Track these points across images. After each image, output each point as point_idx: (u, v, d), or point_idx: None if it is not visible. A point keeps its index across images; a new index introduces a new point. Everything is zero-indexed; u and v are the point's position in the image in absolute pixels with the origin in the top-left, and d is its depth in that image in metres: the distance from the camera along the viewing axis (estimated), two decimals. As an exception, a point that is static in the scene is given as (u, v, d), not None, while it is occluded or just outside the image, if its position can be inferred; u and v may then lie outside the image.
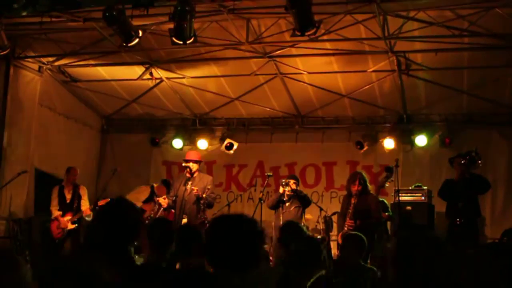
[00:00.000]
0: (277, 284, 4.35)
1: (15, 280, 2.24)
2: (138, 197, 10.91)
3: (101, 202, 10.07)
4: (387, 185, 9.35)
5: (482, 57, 9.63)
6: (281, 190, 9.55)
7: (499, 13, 8.16)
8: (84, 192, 10.54)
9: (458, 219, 8.78)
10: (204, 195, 9.20)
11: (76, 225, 10.15)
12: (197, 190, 9.19)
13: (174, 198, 9.26)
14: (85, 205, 10.38)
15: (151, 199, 10.97)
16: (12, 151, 10.47)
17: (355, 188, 8.87)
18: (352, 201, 8.84)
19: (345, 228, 8.68)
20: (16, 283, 2.24)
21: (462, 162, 8.89)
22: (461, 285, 3.05)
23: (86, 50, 10.27)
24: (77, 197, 10.41)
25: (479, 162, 9.07)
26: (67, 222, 10.13)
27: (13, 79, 10.49)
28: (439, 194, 9.36)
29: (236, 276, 2.97)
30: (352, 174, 9.53)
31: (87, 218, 10.25)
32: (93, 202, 10.41)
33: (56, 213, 10.25)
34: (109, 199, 10.21)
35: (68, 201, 10.38)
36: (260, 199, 9.69)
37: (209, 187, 9.36)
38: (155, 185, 11.16)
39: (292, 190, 9.48)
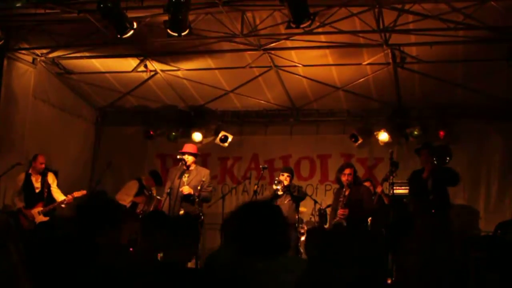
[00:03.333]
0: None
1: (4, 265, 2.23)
2: (128, 192, 10.89)
3: (76, 194, 9.91)
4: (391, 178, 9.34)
5: (477, 50, 9.63)
6: (274, 187, 9.58)
7: (495, 6, 8.15)
8: (53, 180, 10.16)
9: (428, 211, 8.41)
10: (196, 194, 9.19)
11: (49, 217, 9.73)
12: (188, 191, 9.15)
13: (168, 190, 9.23)
14: (57, 192, 10.04)
15: (141, 191, 10.98)
16: (6, 144, 10.43)
17: (345, 178, 8.96)
18: (346, 192, 8.92)
19: (338, 218, 8.78)
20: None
21: (434, 161, 8.57)
22: None
23: (81, 42, 10.24)
24: (46, 185, 9.98)
25: (448, 159, 8.70)
26: (37, 214, 9.72)
27: (7, 71, 10.44)
28: (410, 194, 9.06)
29: (261, 262, 3.00)
30: (342, 164, 9.59)
31: (62, 206, 9.86)
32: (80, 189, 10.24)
33: (19, 204, 9.77)
34: (85, 191, 10.02)
35: (37, 191, 9.93)
36: (255, 192, 9.70)
37: (203, 179, 9.33)
38: (142, 177, 11.17)
39: (285, 187, 9.50)
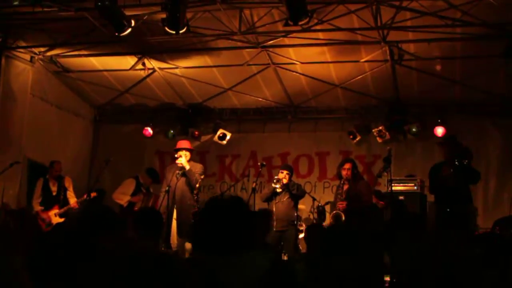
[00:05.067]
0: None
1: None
2: (125, 191, 10.95)
3: (93, 194, 10.07)
4: (385, 174, 9.39)
5: (475, 47, 9.65)
6: (273, 185, 9.60)
7: (492, 3, 8.15)
8: (69, 184, 10.54)
9: (448, 208, 8.46)
10: (187, 168, 9.21)
11: (64, 218, 10.11)
12: (181, 163, 9.18)
13: (167, 188, 9.23)
14: (72, 197, 10.39)
15: (138, 190, 11.01)
16: (4, 142, 10.42)
17: (344, 173, 9.02)
18: (345, 187, 9.00)
19: (336, 210, 8.86)
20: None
21: (456, 162, 8.61)
22: None
23: (78, 40, 10.23)
24: (62, 189, 10.39)
25: (465, 161, 8.78)
26: (53, 215, 10.14)
27: (5, 70, 10.40)
28: (431, 191, 9.13)
29: (220, 259, 2.96)
30: (343, 160, 9.64)
31: (74, 209, 10.24)
32: (84, 192, 10.39)
33: (37, 207, 10.24)
34: (95, 194, 10.21)
35: (54, 194, 10.37)
36: (254, 189, 9.69)
37: (198, 172, 9.35)
38: (139, 175, 11.20)
39: (284, 185, 9.52)
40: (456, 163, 8.48)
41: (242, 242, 3.09)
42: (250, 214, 3.27)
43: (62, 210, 10.19)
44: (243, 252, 3.06)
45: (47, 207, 10.26)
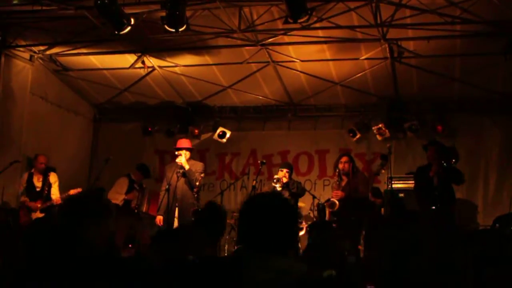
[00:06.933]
0: None
1: None
2: (119, 190, 10.94)
3: (72, 191, 10.02)
4: (383, 171, 9.42)
5: (474, 44, 9.63)
6: (273, 184, 9.62)
7: (491, 0, 8.15)
8: (54, 179, 10.38)
9: (433, 206, 8.51)
10: (187, 168, 9.23)
11: (44, 214, 10.02)
12: (180, 162, 9.20)
13: (167, 187, 9.24)
14: (55, 193, 10.27)
15: (132, 187, 11.02)
16: (4, 141, 10.43)
17: (341, 166, 9.03)
18: (342, 183, 9.01)
19: (331, 198, 8.91)
20: None
21: (444, 164, 8.63)
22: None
23: (78, 39, 10.22)
24: (47, 184, 10.27)
25: (453, 161, 8.83)
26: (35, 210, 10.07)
27: (4, 68, 10.42)
28: (416, 189, 9.11)
29: (270, 259, 2.86)
30: (340, 155, 9.67)
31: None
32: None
33: (22, 198, 10.15)
34: (80, 190, 10.15)
35: (38, 190, 10.22)
36: (254, 187, 9.71)
37: (199, 171, 9.37)
38: (131, 173, 11.21)
39: (284, 183, 9.54)
40: (444, 164, 8.50)
41: (290, 240, 3.00)
42: (294, 213, 3.15)
43: (43, 205, 10.08)
44: (285, 255, 2.95)
45: (31, 201, 10.16)
